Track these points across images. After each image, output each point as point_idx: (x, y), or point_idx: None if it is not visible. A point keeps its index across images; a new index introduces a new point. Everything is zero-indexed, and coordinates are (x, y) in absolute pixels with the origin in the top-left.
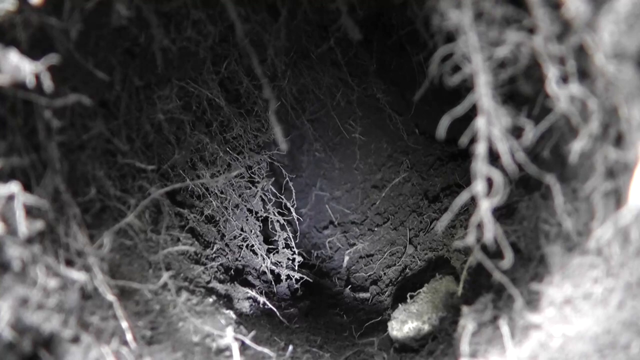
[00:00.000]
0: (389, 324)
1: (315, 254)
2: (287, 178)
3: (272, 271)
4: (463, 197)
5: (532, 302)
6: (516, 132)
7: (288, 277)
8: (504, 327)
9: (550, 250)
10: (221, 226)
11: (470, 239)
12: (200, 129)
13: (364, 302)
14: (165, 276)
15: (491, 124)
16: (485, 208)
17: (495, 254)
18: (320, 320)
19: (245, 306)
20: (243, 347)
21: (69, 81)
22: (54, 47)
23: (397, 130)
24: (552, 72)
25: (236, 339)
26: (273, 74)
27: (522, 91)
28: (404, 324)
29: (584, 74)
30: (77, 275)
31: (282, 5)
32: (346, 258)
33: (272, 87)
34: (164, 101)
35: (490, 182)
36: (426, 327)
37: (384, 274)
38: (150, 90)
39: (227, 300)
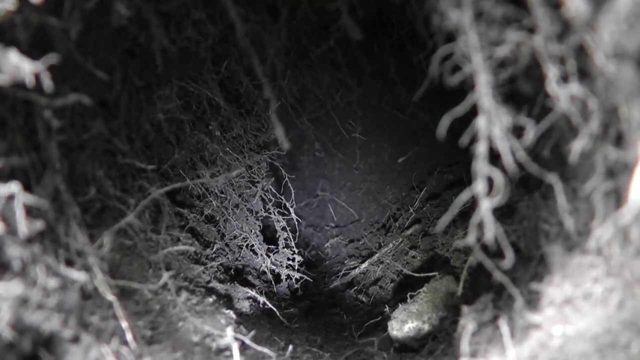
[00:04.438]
0: (389, 323)
1: (315, 254)
2: (287, 178)
3: (272, 271)
4: (463, 197)
5: (532, 301)
6: (516, 131)
7: (288, 277)
8: (504, 326)
9: (550, 250)
10: (221, 226)
11: (471, 238)
12: (200, 129)
13: (364, 302)
14: (165, 276)
15: (491, 123)
16: (485, 208)
17: (496, 253)
18: (320, 320)
19: (245, 306)
20: (243, 347)
21: (69, 81)
22: (54, 47)
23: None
24: (552, 72)
25: (236, 338)
26: (273, 73)
27: (522, 91)
28: (404, 324)
29: (584, 74)
30: (77, 275)
31: (282, 5)
32: (346, 258)
33: (272, 87)
34: (164, 101)
35: (490, 182)
36: (426, 327)
37: (384, 274)
38: (150, 90)
39: (227, 300)
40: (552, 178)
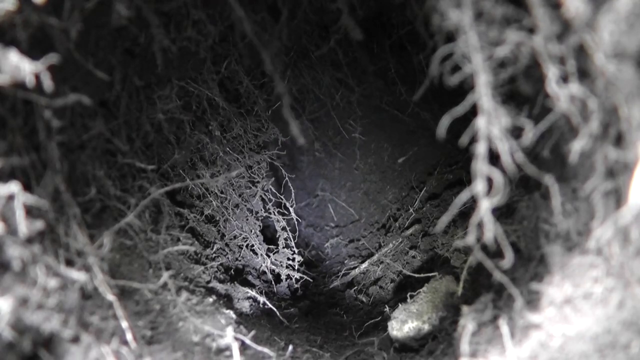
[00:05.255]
0: (389, 323)
1: (315, 254)
2: (287, 178)
3: (272, 271)
4: (463, 197)
5: (532, 301)
6: (516, 132)
7: (288, 277)
8: (504, 326)
9: (550, 250)
10: (221, 226)
11: (470, 238)
12: (200, 128)
13: (364, 302)
14: (165, 276)
15: (491, 123)
16: (485, 208)
17: (495, 253)
18: (320, 320)
19: (245, 306)
20: (243, 347)
21: (69, 81)
22: (54, 47)
23: (399, 130)
24: (552, 72)
25: (236, 338)
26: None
27: (522, 91)
28: (404, 324)
29: (584, 74)
30: (77, 275)
31: (282, 5)
32: (346, 258)
33: (272, 86)
34: (164, 101)
35: (490, 182)
36: (426, 327)
37: (384, 274)
38: (150, 90)
39: (227, 300)
40: (549, 179)
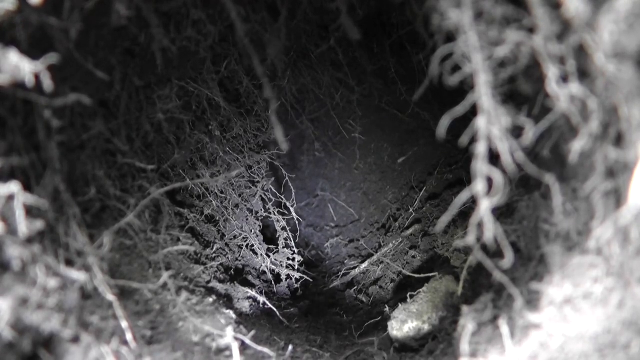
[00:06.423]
0: (389, 323)
1: (315, 254)
2: (287, 178)
3: (272, 271)
4: (463, 197)
5: (532, 301)
6: (516, 131)
7: (288, 277)
8: (503, 326)
9: (550, 249)
10: (221, 226)
11: (470, 238)
12: (200, 128)
13: (364, 302)
14: (165, 276)
15: (491, 123)
16: (485, 208)
17: (495, 253)
18: (320, 320)
19: (245, 306)
20: (243, 346)
21: (69, 81)
22: (54, 47)
23: (399, 130)
24: (552, 72)
25: (236, 338)
26: (273, 73)
27: (522, 91)
28: (404, 324)
29: (584, 74)
30: (77, 275)
31: (282, 5)
32: (346, 258)
33: (272, 86)
34: (164, 101)
35: (490, 182)
36: (426, 327)
37: (384, 274)
38: (150, 90)
39: (227, 300)
40: (550, 179)
